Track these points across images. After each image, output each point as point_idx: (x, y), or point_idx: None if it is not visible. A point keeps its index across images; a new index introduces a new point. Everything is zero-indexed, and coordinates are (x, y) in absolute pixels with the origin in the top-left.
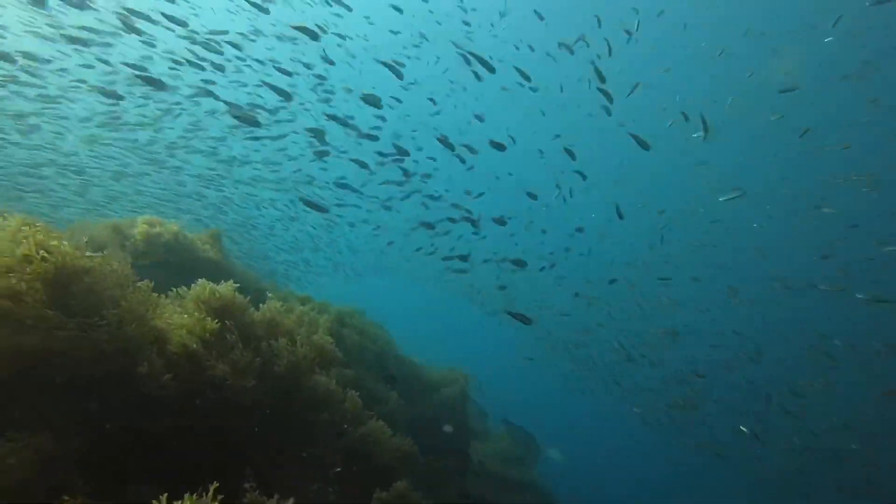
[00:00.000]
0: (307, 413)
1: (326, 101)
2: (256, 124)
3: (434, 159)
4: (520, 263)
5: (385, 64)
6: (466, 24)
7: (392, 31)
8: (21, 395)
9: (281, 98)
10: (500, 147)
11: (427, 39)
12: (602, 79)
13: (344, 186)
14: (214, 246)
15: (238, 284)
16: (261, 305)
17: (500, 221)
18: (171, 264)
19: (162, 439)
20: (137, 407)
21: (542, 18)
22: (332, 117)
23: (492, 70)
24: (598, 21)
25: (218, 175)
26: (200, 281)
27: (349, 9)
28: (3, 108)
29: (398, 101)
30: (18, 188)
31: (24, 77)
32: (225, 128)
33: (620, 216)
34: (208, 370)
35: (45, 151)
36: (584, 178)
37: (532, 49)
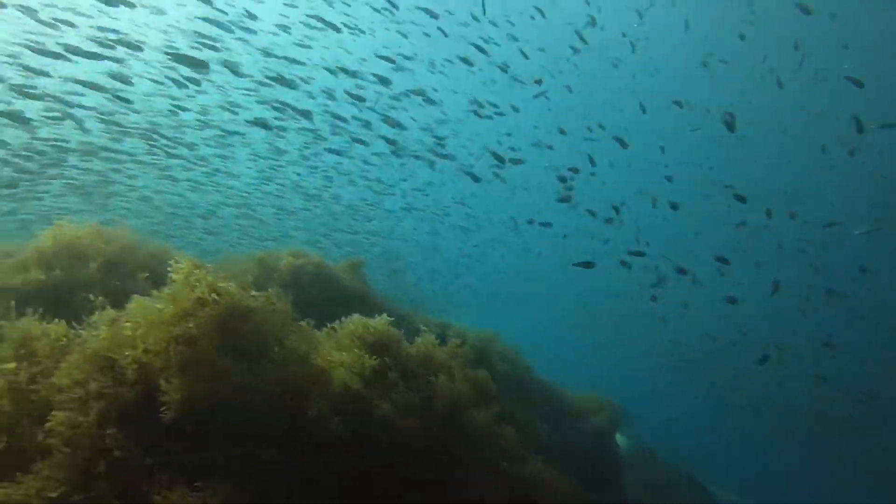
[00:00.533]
0: (467, 452)
1: (487, 117)
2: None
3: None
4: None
5: None
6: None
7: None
8: (199, 442)
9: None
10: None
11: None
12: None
13: (542, 224)
14: (355, 275)
15: (392, 318)
16: (415, 339)
17: (723, 260)
18: (315, 295)
19: (329, 484)
20: (306, 451)
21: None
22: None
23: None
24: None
25: (369, 205)
26: (354, 316)
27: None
28: (194, 155)
29: (561, 132)
30: (203, 230)
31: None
32: (372, 157)
33: None
34: (373, 410)
35: (218, 194)
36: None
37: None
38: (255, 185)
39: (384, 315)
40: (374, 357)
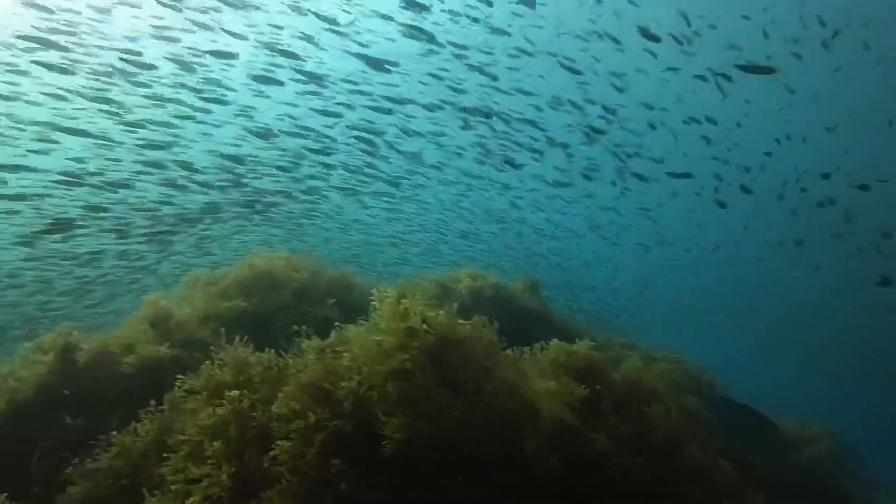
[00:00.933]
0: (684, 489)
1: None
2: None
3: None
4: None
5: None
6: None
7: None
8: (419, 478)
9: None
10: None
11: None
12: None
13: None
14: (534, 296)
15: (593, 343)
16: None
17: None
18: (495, 317)
19: None
20: (524, 490)
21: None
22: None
23: None
24: None
25: (554, 226)
26: (553, 341)
27: None
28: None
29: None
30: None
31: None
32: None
33: None
34: (588, 445)
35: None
36: None
37: None
38: (443, 209)
39: (585, 339)
40: (583, 386)
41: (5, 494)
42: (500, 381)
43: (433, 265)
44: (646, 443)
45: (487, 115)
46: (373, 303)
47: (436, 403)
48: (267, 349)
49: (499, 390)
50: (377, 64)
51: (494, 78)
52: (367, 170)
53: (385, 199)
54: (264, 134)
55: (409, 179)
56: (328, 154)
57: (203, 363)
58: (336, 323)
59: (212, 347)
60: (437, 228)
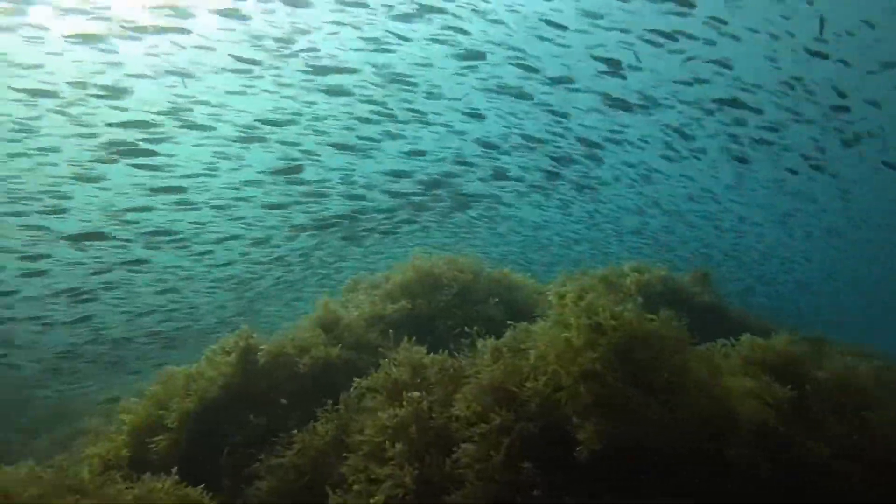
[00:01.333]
0: None
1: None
2: None
3: None
4: None
5: None
6: None
7: None
8: (614, 485)
9: None
10: None
11: None
12: None
13: None
14: (706, 288)
15: (794, 338)
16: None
17: None
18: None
19: None
20: (722, 496)
21: None
22: None
23: None
24: None
25: (741, 218)
26: (745, 336)
27: None
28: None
29: None
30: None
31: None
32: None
33: None
34: (801, 452)
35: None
36: None
37: None
38: (616, 206)
39: (783, 335)
40: (788, 385)
41: (202, 486)
42: (694, 380)
43: (601, 263)
44: (868, 451)
45: (736, 104)
46: (549, 299)
47: (629, 405)
48: (441, 350)
49: (693, 390)
50: (611, 65)
51: (729, 67)
52: (550, 170)
53: (559, 197)
54: (492, 144)
55: (590, 179)
56: (557, 157)
57: (372, 364)
58: (510, 322)
59: (379, 348)
60: (610, 226)
